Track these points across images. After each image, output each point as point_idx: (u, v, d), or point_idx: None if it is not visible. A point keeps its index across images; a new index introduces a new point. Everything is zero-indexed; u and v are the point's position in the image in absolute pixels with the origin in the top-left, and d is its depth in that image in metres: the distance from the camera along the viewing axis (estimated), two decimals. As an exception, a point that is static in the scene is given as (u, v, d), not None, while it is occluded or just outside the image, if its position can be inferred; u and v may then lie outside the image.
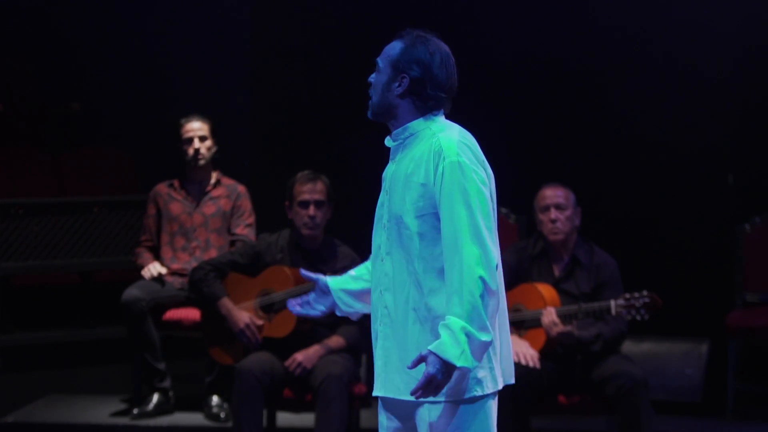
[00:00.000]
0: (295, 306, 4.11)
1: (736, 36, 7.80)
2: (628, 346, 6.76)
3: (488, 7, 8.18)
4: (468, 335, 3.61)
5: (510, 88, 8.14)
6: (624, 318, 6.16)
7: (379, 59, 3.88)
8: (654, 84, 7.96)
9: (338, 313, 4.10)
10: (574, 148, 8.04)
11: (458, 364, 3.60)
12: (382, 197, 3.91)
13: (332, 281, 4.06)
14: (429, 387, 3.62)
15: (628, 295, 6.10)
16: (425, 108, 3.87)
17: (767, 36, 7.79)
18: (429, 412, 3.76)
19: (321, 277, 4.07)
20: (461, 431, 3.75)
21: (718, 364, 7.53)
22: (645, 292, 6.09)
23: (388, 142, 3.93)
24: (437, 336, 3.66)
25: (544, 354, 6.20)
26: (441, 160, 3.76)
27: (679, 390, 7.54)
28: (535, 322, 6.18)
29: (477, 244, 3.67)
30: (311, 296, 4.09)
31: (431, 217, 3.77)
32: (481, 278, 3.65)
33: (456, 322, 3.62)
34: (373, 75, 3.90)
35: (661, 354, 7.60)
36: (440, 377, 3.61)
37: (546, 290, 6.26)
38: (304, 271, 4.13)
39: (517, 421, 6.07)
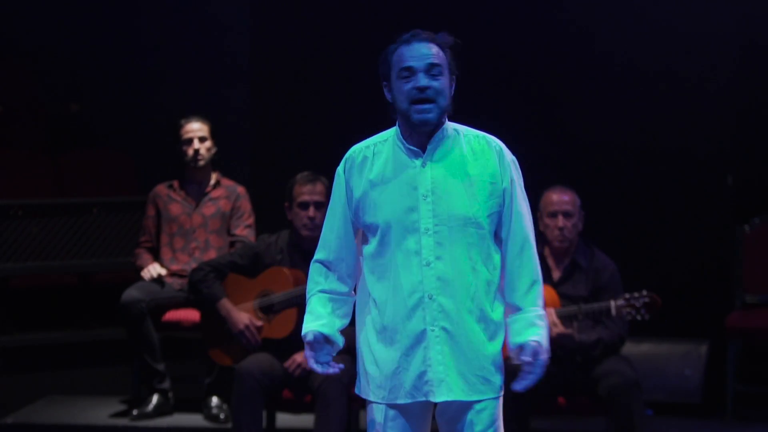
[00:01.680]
0: (328, 369, 4.03)
1: (734, 38, 7.80)
2: (628, 347, 6.76)
3: (491, 8, 8.18)
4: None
5: (509, 90, 8.14)
6: (624, 318, 6.16)
7: (438, 62, 3.85)
8: (653, 86, 7.96)
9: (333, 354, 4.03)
10: (574, 149, 8.04)
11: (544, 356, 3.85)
12: (411, 202, 3.86)
13: (324, 328, 3.95)
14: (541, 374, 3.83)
15: (627, 295, 6.10)
16: None
17: (765, 38, 7.80)
18: (488, 406, 3.89)
19: (315, 333, 3.94)
20: (499, 421, 3.92)
21: (718, 365, 7.53)
22: (645, 292, 6.09)
23: (402, 144, 3.90)
24: (499, 330, 3.90)
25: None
26: (503, 158, 3.90)
27: (679, 391, 7.54)
28: (535, 324, 6.18)
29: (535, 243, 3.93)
30: (313, 354, 3.95)
31: (497, 215, 3.88)
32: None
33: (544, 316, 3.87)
34: (427, 79, 3.84)
35: (660, 355, 7.60)
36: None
37: (545, 291, 6.23)
38: (305, 335, 3.99)
39: (516, 423, 6.06)
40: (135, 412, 7.09)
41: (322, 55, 8.41)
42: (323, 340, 3.96)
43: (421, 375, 3.86)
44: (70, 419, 7.23)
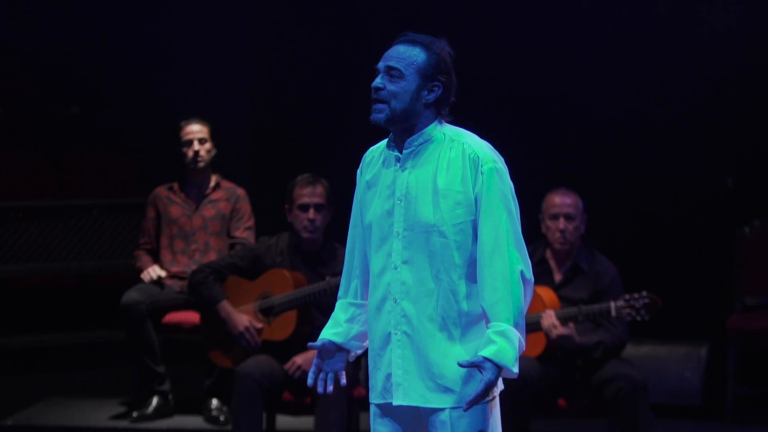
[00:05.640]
0: (328, 387, 3.99)
1: (734, 41, 7.80)
2: (628, 349, 6.76)
3: (491, 10, 8.18)
4: (520, 342, 3.70)
5: (508, 91, 8.14)
6: (624, 319, 6.16)
7: (397, 65, 3.78)
8: (653, 87, 7.96)
9: (352, 360, 4.02)
10: (574, 151, 8.04)
11: (515, 369, 3.68)
12: (390, 206, 3.85)
13: (336, 336, 3.96)
14: (485, 394, 3.67)
15: (627, 296, 6.10)
16: (441, 113, 3.86)
17: (766, 40, 7.80)
18: (450, 415, 3.79)
19: (324, 341, 3.95)
20: (483, 429, 3.80)
21: (718, 367, 7.53)
22: (645, 293, 6.08)
23: (391, 148, 3.88)
24: (468, 340, 3.74)
25: (544, 358, 6.20)
26: (479, 168, 3.78)
27: (679, 393, 7.54)
28: (535, 326, 6.18)
29: (518, 249, 3.76)
30: (317, 363, 3.94)
31: (468, 224, 3.79)
32: (522, 274, 3.74)
33: (510, 330, 3.69)
34: (381, 81, 3.80)
35: (660, 357, 7.60)
36: (495, 383, 3.68)
37: (545, 293, 6.26)
38: (311, 344, 3.97)
39: (517, 425, 6.06)
40: (135, 414, 7.08)
41: (322, 56, 8.41)
42: (334, 348, 3.96)
43: (388, 377, 3.86)
44: (70, 421, 7.22)
